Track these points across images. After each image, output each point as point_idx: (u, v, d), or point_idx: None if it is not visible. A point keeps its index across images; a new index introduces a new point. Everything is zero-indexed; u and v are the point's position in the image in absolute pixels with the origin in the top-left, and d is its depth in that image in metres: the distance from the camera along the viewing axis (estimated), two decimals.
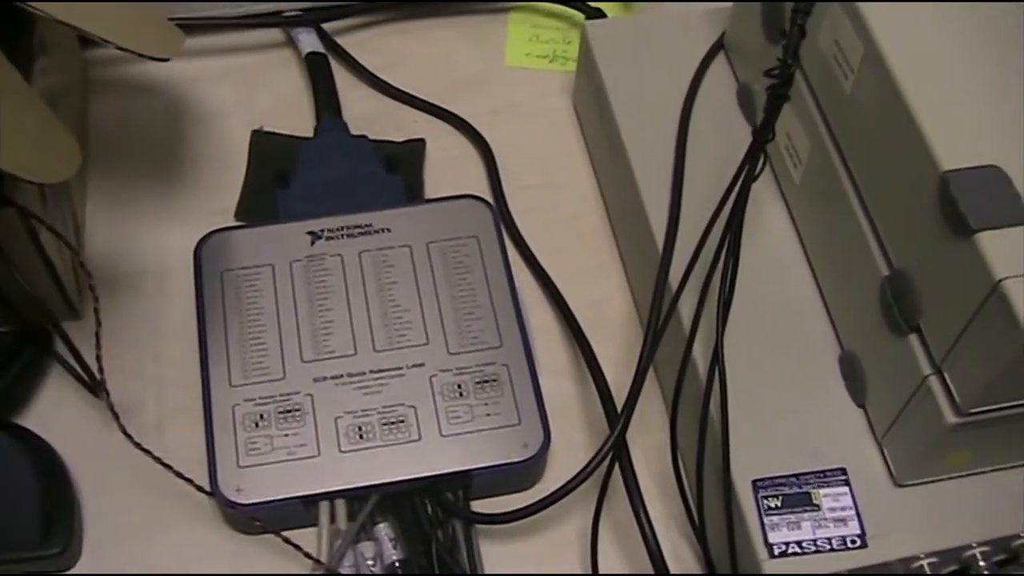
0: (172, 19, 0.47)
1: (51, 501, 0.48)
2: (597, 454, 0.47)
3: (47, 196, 0.48)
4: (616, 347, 0.54)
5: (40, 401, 0.52)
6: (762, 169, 0.44)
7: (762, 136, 0.43)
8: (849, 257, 0.46)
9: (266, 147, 0.59)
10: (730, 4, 0.55)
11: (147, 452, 0.47)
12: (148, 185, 0.59)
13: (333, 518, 0.47)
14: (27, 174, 0.40)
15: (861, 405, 0.46)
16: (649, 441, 0.51)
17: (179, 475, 0.47)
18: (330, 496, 0.47)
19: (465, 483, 0.48)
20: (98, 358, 0.46)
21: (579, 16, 0.64)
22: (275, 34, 0.64)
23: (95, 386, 0.50)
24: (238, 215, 0.57)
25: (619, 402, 0.49)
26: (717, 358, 0.45)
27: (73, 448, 0.50)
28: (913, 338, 0.42)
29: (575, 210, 0.59)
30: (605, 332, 0.54)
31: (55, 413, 0.52)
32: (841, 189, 0.46)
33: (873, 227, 0.44)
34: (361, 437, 0.48)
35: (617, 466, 0.48)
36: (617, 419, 0.48)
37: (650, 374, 0.49)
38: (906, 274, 0.42)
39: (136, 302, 0.55)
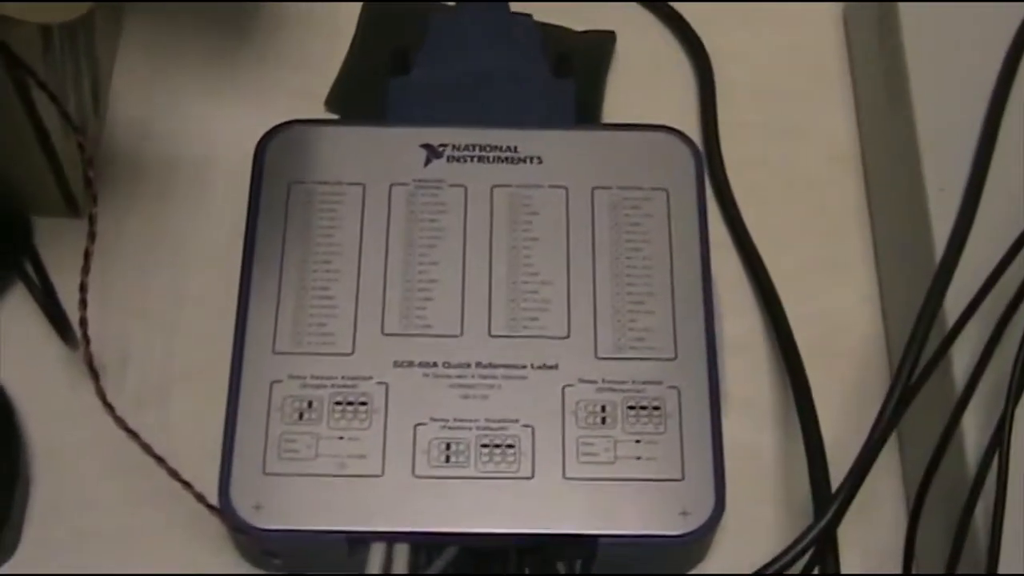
0: None
1: None
2: (791, 548, 0.44)
3: (53, 44, 0.47)
4: (844, 387, 0.52)
5: None
6: None
7: None
8: None
9: (383, 12, 0.58)
10: None
11: (131, 433, 0.45)
12: (204, 45, 0.58)
13: (387, 568, 0.46)
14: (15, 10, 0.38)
15: None
16: (871, 539, 0.49)
17: (173, 474, 0.45)
18: (389, 537, 0.45)
19: (587, 553, 0.46)
20: (82, 287, 0.44)
21: None
22: None
23: (65, 329, 0.49)
24: (329, 103, 0.56)
25: (836, 472, 0.47)
26: (1001, 437, 0.43)
27: (29, 406, 0.50)
28: None
29: (818, 172, 0.56)
30: (832, 361, 0.52)
31: (10, 349, 0.51)
32: None
33: None
34: (448, 460, 0.46)
35: (817, 569, 0.46)
36: (828, 501, 0.45)
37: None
38: None
39: (158, 211, 0.54)
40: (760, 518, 0.50)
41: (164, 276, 0.53)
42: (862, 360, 0.53)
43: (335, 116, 0.56)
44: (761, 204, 0.55)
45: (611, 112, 0.57)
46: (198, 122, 0.57)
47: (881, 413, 0.46)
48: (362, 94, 0.56)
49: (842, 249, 0.55)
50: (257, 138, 0.52)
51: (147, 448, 0.46)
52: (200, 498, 0.45)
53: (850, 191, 0.56)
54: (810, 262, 0.54)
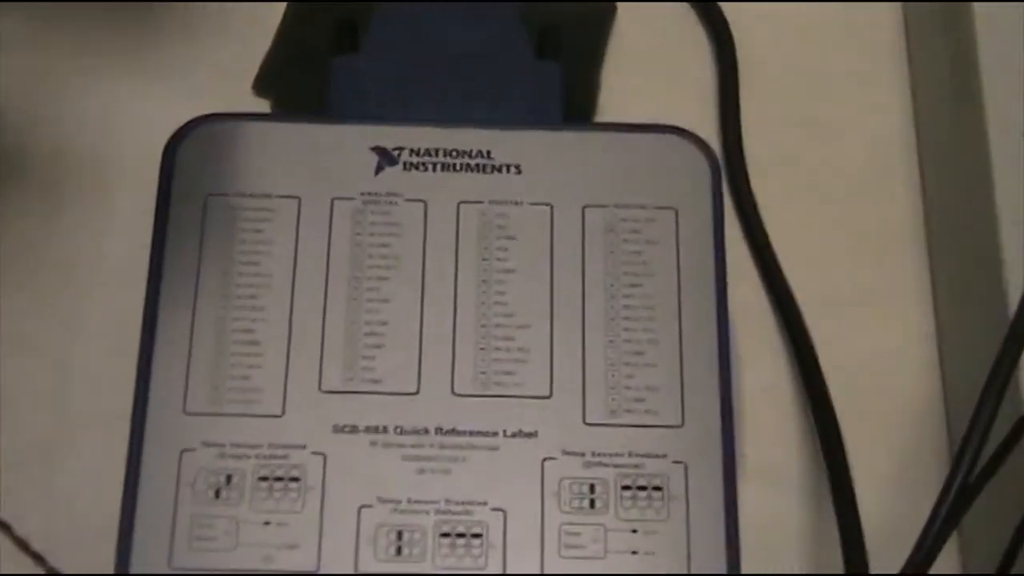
0: None
1: None
2: None
3: None
4: (890, 456, 0.49)
5: None
6: None
7: None
8: None
9: None
10: None
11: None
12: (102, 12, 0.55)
13: None
14: None
15: None
16: None
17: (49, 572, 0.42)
18: None
19: None
20: None
21: None
22: None
23: None
24: (257, 87, 0.53)
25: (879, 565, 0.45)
26: None
27: None
28: None
29: (864, 179, 0.53)
30: (874, 423, 0.49)
31: None
32: None
33: None
34: (399, 552, 0.43)
35: None
36: None
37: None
38: None
39: (47, 223, 0.51)
40: None
41: (54, 301, 0.50)
42: (912, 421, 0.50)
43: (264, 105, 0.53)
44: (791, 220, 0.52)
45: (608, 107, 0.54)
46: (94, 112, 0.53)
47: (939, 504, 0.41)
48: (296, 78, 0.53)
49: (892, 277, 0.52)
50: (166, 138, 0.48)
51: (21, 543, 0.43)
52: None
53: (903, 204, 0.54)
54: (851, 293, 0.51)
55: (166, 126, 0.49)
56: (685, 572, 0.44)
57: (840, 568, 0.46)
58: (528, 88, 0.52)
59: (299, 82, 0.53)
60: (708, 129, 0.53)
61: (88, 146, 0.53)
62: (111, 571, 0.43)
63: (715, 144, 0.51)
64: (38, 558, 0.44)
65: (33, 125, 0.54)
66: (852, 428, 0.48)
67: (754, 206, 0.52)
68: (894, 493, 0.48)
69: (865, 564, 0.46)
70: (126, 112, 0.54)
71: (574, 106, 0.52)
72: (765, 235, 0.51)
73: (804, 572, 0.49)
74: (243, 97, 0.54)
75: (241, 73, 0.54)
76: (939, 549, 0.43)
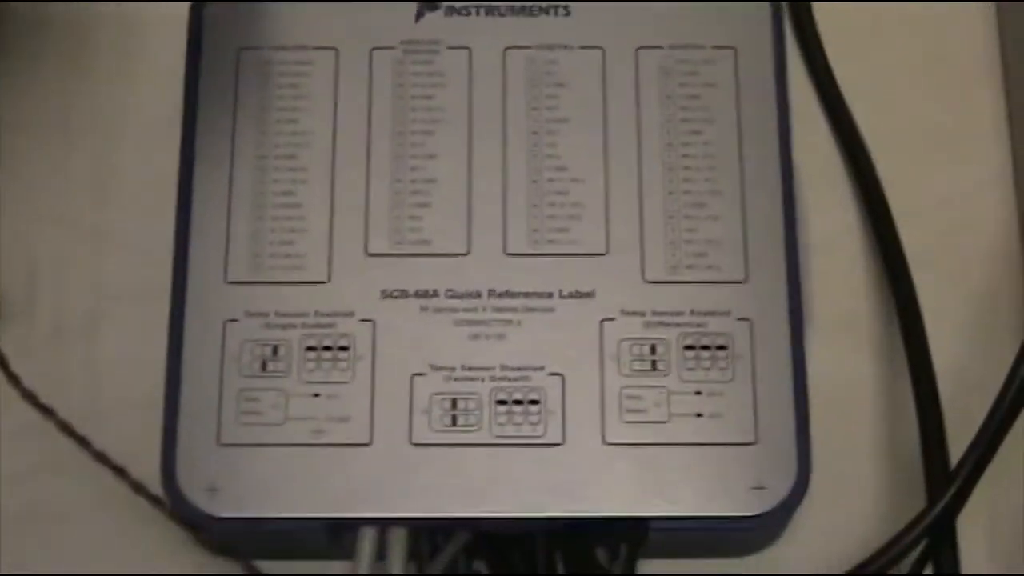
0: None
1: None
2: (898, 539, 0.43)
3: None
4: (966, 302, 0.48)
5: None
6: None
7: None
8: None
9: None
10: None
11: (30, 398, 0.42)
12: None
13: (380, 555, 0.43)
14: None
15: None
16: (998, 529, 0.46)
17: (97, 455, 0.42)
18: (381, 523, 0.42)
19: (635, 538, 0.44)
20: None
21: None
22: None
23: None
24: None
25: (954, 428, 0.44)
26: None
27: None
28: None
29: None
30: (950, 266, 0.48)
31: None
32: None
33: None
34: (455, 422, 0.43)
35: (930, 567, 0.44)
36: (945, 480, 0.42)
37: None
38: None
39: (70, 80, 0.51)
40: (855, 479, 0.47)
41: (83, 166, 0.48)
42: (989, 263, 0.49)
43: None
44: (860, 56, 0.51)
45: None
46: None
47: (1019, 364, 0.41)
48: None
49: (967, 115, 0.51)
50: None
51: (50, 413, 0.42)
52: (138, 488, 0.42)
53: (979, 32, 0.52)
54: (924, 136, 0.50)
55: None
56: (752, 436, 0.42)
57: (913, 418, 0.45)
58: None
59: None
60: None
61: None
62: (158, 447, 0.42)
63: None
64: (82, 441, 0.43)
65: None
66: (924, 275, 0.47)
67: (818, 40, 0.50)
68: (970, 340, 0.48)
69: (941, 429, 0.45)
70: None
71: None
72: (830, 71, 0.49)
73: (876, 429, 0.47)
74: None
75: None
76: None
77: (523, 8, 0.47)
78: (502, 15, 0.47)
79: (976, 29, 0.52)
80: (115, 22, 0.51)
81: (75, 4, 0.53)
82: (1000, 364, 0.43)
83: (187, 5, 0.48)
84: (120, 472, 0.42)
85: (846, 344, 0.48)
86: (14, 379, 0.42)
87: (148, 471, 0.43)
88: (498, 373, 0.44)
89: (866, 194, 0.48)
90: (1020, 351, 0.43)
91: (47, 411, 0.42)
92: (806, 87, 0.51)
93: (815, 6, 0.52)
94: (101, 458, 0.42)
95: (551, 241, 0.44)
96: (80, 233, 0.48)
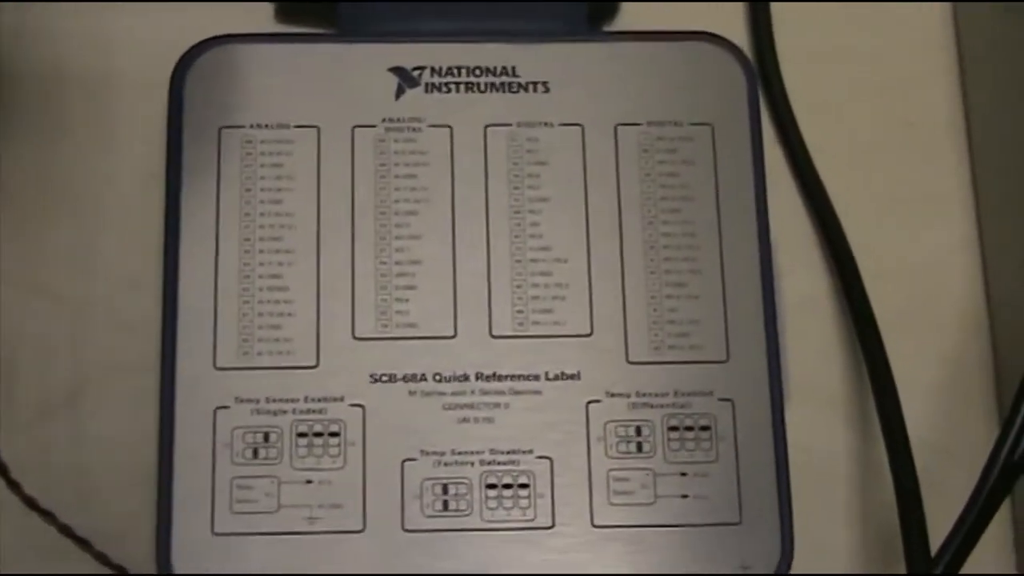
0: None
1: None
2: None
3: None
4: (935, 365, 0.48)
5: None
6: None
7: None
8: None
9: None
10: None
11: (30, 504, 0.41)
12: None
13: None
14: None
15: None
16: None
17: (82, 543, 0.41)
18: None
19: None
20: None
21: None
22: None
23: None
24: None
25: (929, 490, 0.43)
26: None
27: None
28: None
29: (908, 72, 0.52)
30: (919, 332, 0.48)
31: None
32: None
33: None
34: (446, 507, 0.43)
35: None
36: (928, 561, 0.41)
37: None
38: None
39: (50, 151, 0.49)
40: (833, 548, 0.47)
41: (63, 238, 0.47)
42: (957, 329, 0.49)
43: (271, 32, 0.49)
44: (834, 136, 0.50)
45: (635, 15, 0.51)
46: (98, 31, 0.50)
47: (997, 449, 0.40)
48: None
49: (934, 180, 0.51)
50: (174, 63, 0.47)
51: (37, 507, 0.41)
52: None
53: (942, 99, 0.51)
54: (895, 206, 0.50)
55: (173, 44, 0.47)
56: (736, 516, 0.43)
57: (889, 489, 0.45)
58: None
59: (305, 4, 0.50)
60: (740, 34, 0.51)
61: (89, 64, 0.50)
62: (151, 533, 0.42)
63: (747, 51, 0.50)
64: (78, 539, 0.41)
65: (31, 45, 0.50)
66: (893, 341, 0.47)
67: (790, 112, 0.50)
68: (939, 403, 0.48)
69: (917, 498, 0.44)
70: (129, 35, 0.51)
71: (596, 16, 0.50)
72: (803, 143, 0.49)
73: (851, 496, 0.47)
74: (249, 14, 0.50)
75: None
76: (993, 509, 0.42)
77: (503, 84, 0.47)
78: (482, 91, 0.46)
79: (941, 93, 0.51)
80: (91, 88, 0.50)
81: (48, 70, 0.50)
82: (969, 429, 0.44)
83: (166, 70, 0.46)
84: (102, 558, 0.41)
85: (820, 408, 0.47)
86: (14, 485, 0.41)
87: (137, 552, 0.43)
88: (487, 457, 0.44)
89: (836, 259, 0.47)
90: (1000, 436, 0.41)
91: (48, 515, 0.41)
92: (774, 152, 0.49)
93: (783, 67, 0.50)
94: (103, 559, 0.41)
95: (536, 323, 0.44)
96: (61, 305, 0.47)
